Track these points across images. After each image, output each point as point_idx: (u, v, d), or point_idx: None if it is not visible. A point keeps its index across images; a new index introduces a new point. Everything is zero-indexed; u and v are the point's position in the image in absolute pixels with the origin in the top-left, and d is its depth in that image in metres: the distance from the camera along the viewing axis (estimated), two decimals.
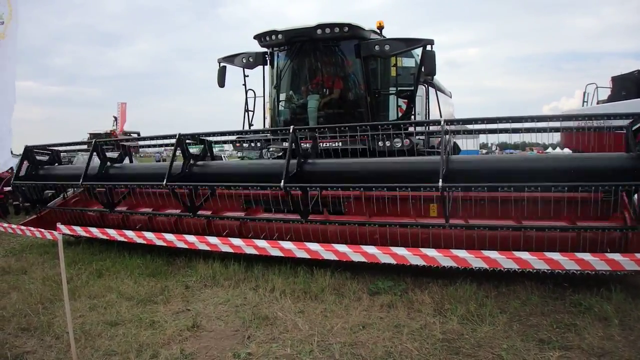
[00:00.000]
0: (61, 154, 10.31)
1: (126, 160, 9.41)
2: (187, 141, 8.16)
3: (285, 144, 7.05)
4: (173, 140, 7.99)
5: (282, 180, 6.69)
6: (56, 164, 9.99)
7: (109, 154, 9.03)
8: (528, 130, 6.45)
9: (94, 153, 8.63)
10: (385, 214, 7.09)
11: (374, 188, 6.66)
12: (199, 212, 7.84)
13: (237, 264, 7.37)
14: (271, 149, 10.59)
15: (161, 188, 7.80)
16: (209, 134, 8.23)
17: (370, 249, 5.26)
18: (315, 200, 7.01)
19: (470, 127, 6.94)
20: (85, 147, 10.60)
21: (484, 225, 6.30)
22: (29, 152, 9.64)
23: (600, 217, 6.22)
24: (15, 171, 9.95)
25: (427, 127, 9.79)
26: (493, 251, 4.97)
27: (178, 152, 7.92)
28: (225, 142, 9.08)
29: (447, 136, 6.50)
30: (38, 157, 9.84)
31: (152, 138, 9.65)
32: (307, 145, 7.55)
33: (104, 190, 8.51)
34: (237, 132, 9.27)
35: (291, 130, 6.90)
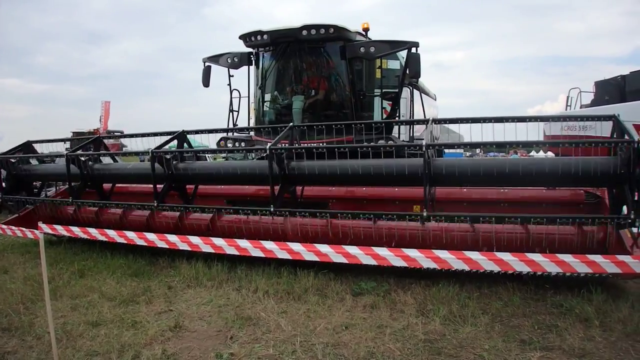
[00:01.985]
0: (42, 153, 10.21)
1: (109, 160, 9.41)
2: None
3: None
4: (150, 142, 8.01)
5: (272, 205, 6.77)
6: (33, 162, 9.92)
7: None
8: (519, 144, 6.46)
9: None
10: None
11: (361, 215, 6.69)
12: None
13: (220, 265, 7.34)
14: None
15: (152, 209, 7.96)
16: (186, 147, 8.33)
17: (353, 250, 5.28)
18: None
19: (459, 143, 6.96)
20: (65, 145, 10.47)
21: (465, 215, 6.30)
22: (2, 163, 9.55)
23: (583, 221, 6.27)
24: None
25: (412, 129, 9.84)
26: (474, 252, 5.00)
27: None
28: (205, 151, 9.10)
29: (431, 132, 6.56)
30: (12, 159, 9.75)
31: (132, 135, 9.58)
32: (285, 144, 7.47)
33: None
34: (211, 131, 9.16)
35: (268, 151, 6.69)
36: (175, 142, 8.27)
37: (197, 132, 8.58)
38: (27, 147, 9.74)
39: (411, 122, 9.86)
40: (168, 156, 7.68)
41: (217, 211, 7.70)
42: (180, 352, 4.79)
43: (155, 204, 7.64)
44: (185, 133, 8.31)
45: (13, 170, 9.52)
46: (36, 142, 9.89)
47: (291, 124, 7.47)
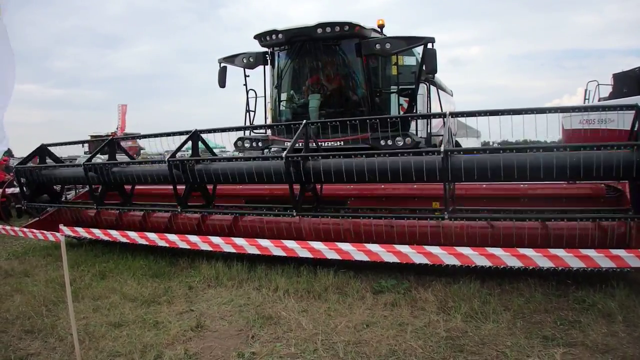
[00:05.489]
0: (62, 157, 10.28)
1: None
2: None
3: (288, 144, 6.98)
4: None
5: (294, 210, 6.91)
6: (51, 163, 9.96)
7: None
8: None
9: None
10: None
11: (383, 217, 6.88)
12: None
13: (240, 264, 7.36)
14: (273, 149, 10.56)
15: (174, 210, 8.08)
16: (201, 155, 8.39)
17: (374, 247, 5.27)
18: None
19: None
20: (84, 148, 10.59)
21: (485, 216, 6.27)
22: (21, 172, 9.60)
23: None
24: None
25: (429, 125, 9.80)
26: (497, 248, 4.96)
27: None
28: (220, 159, 9.15)
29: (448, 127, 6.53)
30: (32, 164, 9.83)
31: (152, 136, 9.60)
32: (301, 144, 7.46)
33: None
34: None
35: (284, 159, 6.71)
36: (190, 142, 8.23)
37: (210, 131, 8.54)
38: (42, 151, 9.74)
39: (427, 116, 9.82)
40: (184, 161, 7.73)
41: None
42: (202, 351, 4.82)
43: (179, 209, 7.81)
44: (199, 132, 8.26)
45: (31, 177, 9.56)
46: (51, 145, 9.89)
47: (305, 120, 7.42)
